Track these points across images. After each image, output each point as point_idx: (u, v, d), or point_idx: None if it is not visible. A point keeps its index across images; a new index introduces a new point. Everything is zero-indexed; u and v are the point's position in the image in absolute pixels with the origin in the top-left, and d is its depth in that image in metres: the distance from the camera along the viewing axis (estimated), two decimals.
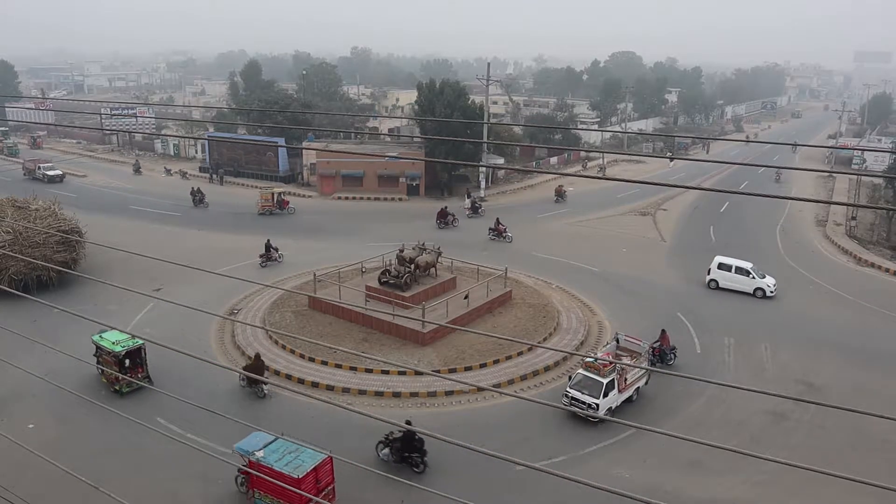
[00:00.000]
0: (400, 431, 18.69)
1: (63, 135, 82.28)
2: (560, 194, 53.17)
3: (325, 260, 35.37)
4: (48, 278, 30.90)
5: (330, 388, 23.13)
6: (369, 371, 23.99)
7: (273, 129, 61.26)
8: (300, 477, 15.59)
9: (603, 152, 53.58)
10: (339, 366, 24.31)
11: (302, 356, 25.07)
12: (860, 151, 67.11)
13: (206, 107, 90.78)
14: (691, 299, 31.84)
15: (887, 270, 36.94)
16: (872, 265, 37.81)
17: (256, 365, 22.69)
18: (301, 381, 23.46)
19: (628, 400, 22.24)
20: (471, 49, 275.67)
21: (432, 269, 30.09)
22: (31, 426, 20.63)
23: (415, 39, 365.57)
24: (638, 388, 22.64)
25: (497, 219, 41.94)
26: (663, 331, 25.63)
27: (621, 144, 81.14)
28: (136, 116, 76.58)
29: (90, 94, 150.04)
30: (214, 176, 59.02)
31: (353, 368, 24.18)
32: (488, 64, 63.69)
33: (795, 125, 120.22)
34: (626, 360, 22.20)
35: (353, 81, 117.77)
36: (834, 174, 61.28)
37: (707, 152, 78.73)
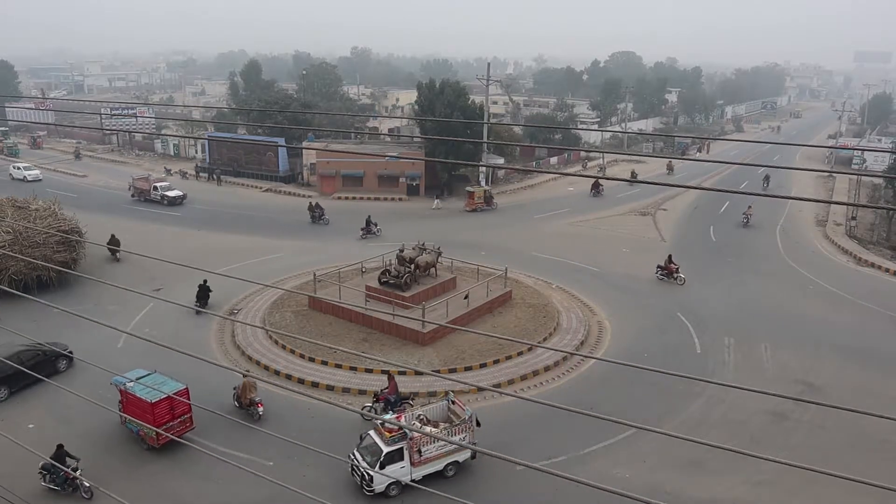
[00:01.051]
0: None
1: (63, 135, 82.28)
2: (596, 187, 54.26)
3: (325, 260, 35.39)
4: (48, 278, 30.91)
5: (330, 388, 23.14)
6: (369, 371, 24.00)
7: (273, 129, 61.26)
8: (153, 402, 18.73)
9: (603, 152, 53.60)
10: (339, 366, 24.32)
11: (302, 356, 25.07)
12: (860, 151, 67.11)
13: (206, 107, 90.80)
14: (691, 299, 31.83)
15: (887, 270, 36.94)
16: (872, 265, 37.81)
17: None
18: (301, 381, 23.46)
19: (440, 474, 17.89)
20: (471, 49, 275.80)
21: (432, 269, 30.10)
22: (31, 426, 20.64)
23: (415, 39, 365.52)
24: (457, 461, 18.00)
25: (669, 256, 35.49)
26: (390, 375, 21.81)
27: (621, 144, 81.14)
28: (136, 116, 76.57)
29: (90, 94, 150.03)
30: (212, 177, 58.99)
31: (353, 368, 24.19)
32: (488, 64, 63.69)
33: (796, 125, 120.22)
34: (429, 428, 17.49)
35: (353, 81, 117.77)
36: (834, 174, 61.27)
37: (707, 152, 78.70)
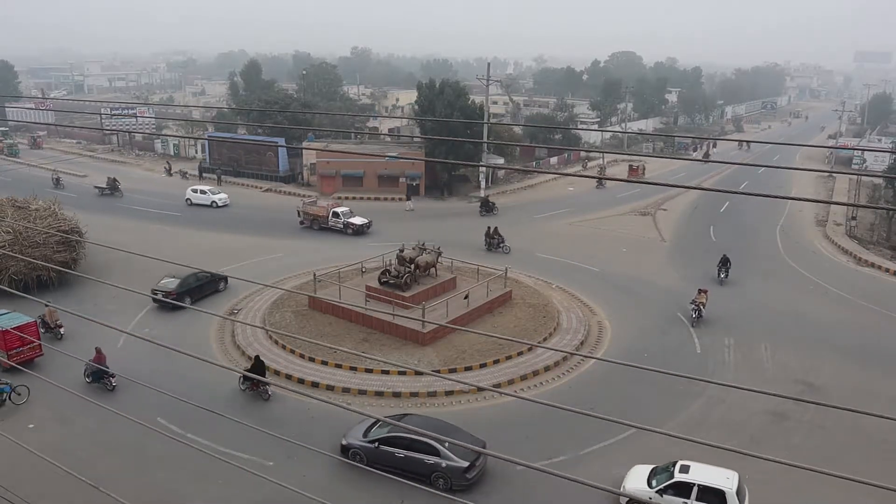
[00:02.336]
0: None
1: (63, 135, 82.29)
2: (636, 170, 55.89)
3: (325, 260, 35.39)
4: (48, 278, 30.91)
5: (330, 387, 23.14)
6: (369, 371, 24.00)
7: (273, 129, 61.27)
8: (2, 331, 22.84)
9: (603, 152, 53.64)
10: (339, 366, 24.32)
11: (302, 356, 25.07)
12: (860, 151, 67.11)
13: (206, 107, 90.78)
14: (691, 299, 31.81)
15: (887, 270, 36.94)
16: (872, 265, 37.81)
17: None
18: (301, 381, 23.46)
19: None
20: (471, 49, 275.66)
21: (432, 269, 30.10)
22: (31, 426, 20.64)
23: (415, 39, 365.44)
24: None
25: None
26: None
27: (621, 144, 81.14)
28: (136, 116, 76.55)
29: (90, 94, 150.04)
30: (211, 176, 58.96)
31: (353, 368, 24.19)
32: (488, 64, 63.68)
33: (795, 125, 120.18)
34: None
35: (353, 81, 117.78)
36: (834, 174, 61.28)
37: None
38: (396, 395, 22.69)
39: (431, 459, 17.47)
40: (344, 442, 18.81)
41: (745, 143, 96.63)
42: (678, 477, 16.70)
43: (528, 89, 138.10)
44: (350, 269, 32.48)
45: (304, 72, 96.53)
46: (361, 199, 52.40)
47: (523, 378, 23.97)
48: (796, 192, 57.83)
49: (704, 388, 22.59)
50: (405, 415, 19.95)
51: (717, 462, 18.60)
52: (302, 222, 43.85)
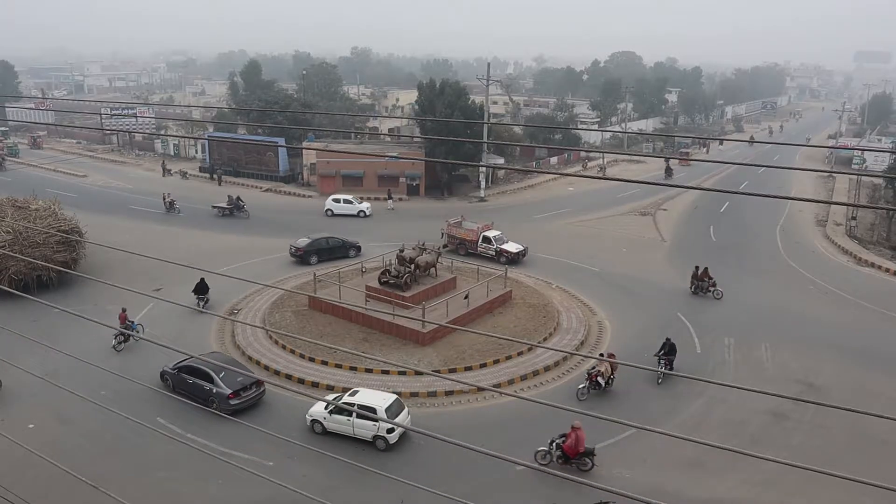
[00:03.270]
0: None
1: (63, 135, 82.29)
2: (668, 170, 56.68)
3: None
4: (48, 278, 30.91)
5: (330, 388, 23.14)
6: (369, 371, 24.00)
7: (273, 129, 61.26)
8: None
9: (603, 152, 53.63)
10: (339, 366, 24.31)
11: (302, 356, 25.08)
12: (860, 151, 67.12)
13: (206, 107, 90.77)
14: (691, 299, 31.83)
15: (887, 270, 36.94)
16: (872, 265, 37.81)
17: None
18: (301, 381, 23.46)
19: None
20: (471, 49, 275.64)
21: (432, 269, 30.11)
22: (31, 426, 20.64)
23: (415, 39, 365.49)
24: None
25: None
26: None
27: (621, 144, 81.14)
28: (136, 116, 76.50)
29: (90, 94, 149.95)
30: (213, 177, 58.99)
31: (353, 368, 24.19)
32: (488, 64, 63.71)
33: (795, 126, 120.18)
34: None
35: (353, 81, 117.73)
36: (834, 174, 61.27)
37: (707, 152, 78.72)
38: (396, 394, 22.65)
39: (208, 386, 21.39)
40: (161, 370, 22.51)
41: (780, 126, 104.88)
42: (345, 399, 20.06)
43: (528, 89, 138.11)
44: (350, 269, 32.50)
45: (304, 72, 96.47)
46: (361, 199, 52.36)
47: (523, 378, 23.97)
48: (796, 192, 57.83)
49: (704, 388, 22.59)
50: (213, 352, 23.99)
51: (717, 462, 18.63)
52: (446, 245, 37.82)
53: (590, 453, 18.42)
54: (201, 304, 29.47)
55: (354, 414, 19.32)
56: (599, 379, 22.32)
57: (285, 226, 44.31)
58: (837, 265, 38.21)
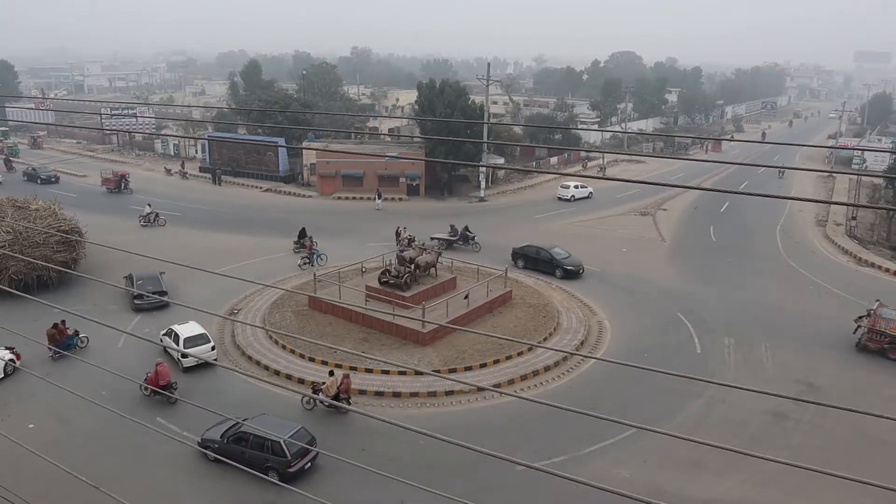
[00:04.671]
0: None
1: (63, 135, 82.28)
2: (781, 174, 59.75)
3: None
4: (48, 278, 30.90)
5: None
6: (369, 371, 23.99)
7: (273, 129, 61.24)
8: None
9: (603, 152, 53.57)
10: (339, 366, 24.28)
11: (302, 356, 25.08)
12: (860, 151, 67.11)
13: (206, 107, 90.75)
14: (691, 299, 31.83)
15: (887, 270, 36.93)
16: (872, 265, 37.80)
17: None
18: (301, 381, 23.46)
19: None
20: (471, 49, 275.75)
21: (432, 269, 30.10)
22: (31, 426, 20.64)
23: (415, 39, 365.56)
24: None
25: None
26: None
27: (621, 144, 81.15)
28: (136, 116, 76.50)
29: (90, 94, 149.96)
30: (215, 177, 58.96)
31: (353, 368, 24.16)
32: (488, 64, 63.69)
33: (797, 125, 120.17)
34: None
35: (353, 81, 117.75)
36: (834, 174, 61.26)
37: (706, 152, 78.73)
38: (396, 395, 22.69)
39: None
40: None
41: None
42: (174, 326, 24.85)
43: (528, 89, 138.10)
44: (350, 269, 32.47)
45: (304, 72, 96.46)
46: (361, 199, 52.40)
47: (523, 378, 23.97)
48: (796, 192, 57.81)
49: (704, 388, 22.58)
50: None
51: (717, 462, 18.63)
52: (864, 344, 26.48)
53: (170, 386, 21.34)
54: (305, 260, 33.75)
55: (173, 337, 24.31)
56: (322, 395, 20.79)
57: (285, 226, 44.31)
58: (837, 265, 38.20)
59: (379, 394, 22.75)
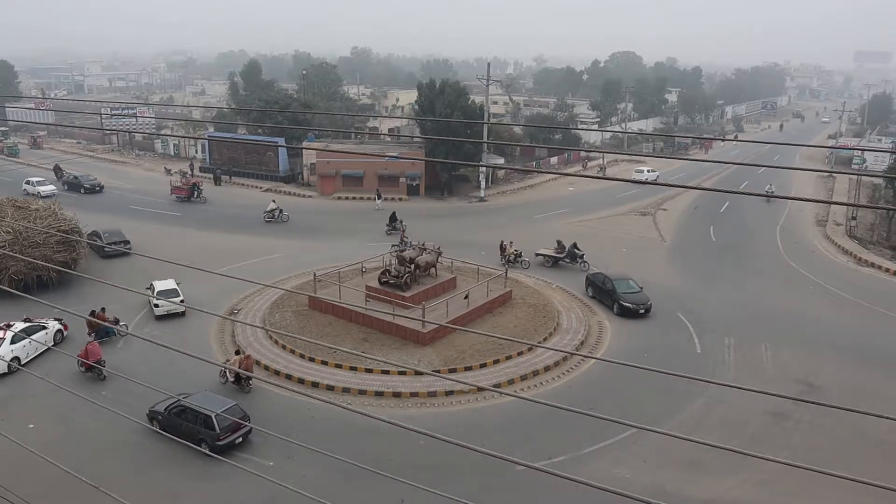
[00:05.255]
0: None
1: (63, 135, 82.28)
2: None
3: (325, 260, 35.38)
4: (48, 278, 30.89)
5: (330, 388, 23.13)
6: (369, 371, 23.99)
7: (273, 129, 61.25)
8: None
9: (603, 152, 53.62)
10: (339, 366, 24.31)
11: (302, 356, 25.07)
12: (860, 151, 67.11)
13: (206, 107, 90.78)
14: (691, 299, 31.82)
15: (887, 270, 36.93)
16: (872, 265, 37.80)
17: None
18: (301, 381, 23.46)
19: None
20: (471, 49, 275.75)
21: (432, 269, 30.10)
22: (31, 426, 20.64)
23: (415, 39, 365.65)
24: None
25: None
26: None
27: (621, 144, 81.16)
28: (136, 116, 76.51)
29: (90, 94, 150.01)
30: (216, 177, 58.93)
31: (353, 368, 24.19)
32: (488, 64, 63.71)
33: (796, 125, 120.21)
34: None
35: (353, 81, 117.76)
36: (834, 174, 61.28)
37: (706, 152, 78.75)
38: (396, 395, 22.69)
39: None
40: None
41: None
42: (153, 282, 29.32)
43: (528, 89, 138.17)
44: (350, 269, 32.46)
45: (304, 72, 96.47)
46: (361, 198, 52.40)
47: (523, 378, 23.96)
48: (796, 192, 57.83)
49: (704, 388, 22.57)
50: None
51: (717, 462, 18.63)
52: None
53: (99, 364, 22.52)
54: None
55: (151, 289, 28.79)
56: (228, 374, 22.82)
57: (285, 226, 44.33)
58: (837, 265, 38.21)
59: (379, 394, 22.75)
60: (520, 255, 34.76)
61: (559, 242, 36.69)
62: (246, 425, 19.05)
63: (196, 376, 22.95)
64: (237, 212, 48.13)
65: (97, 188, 53.17)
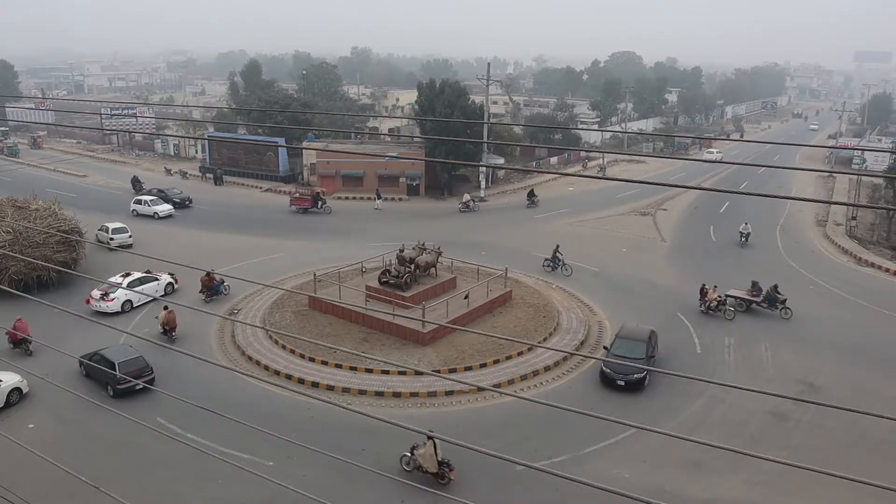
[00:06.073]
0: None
1: (63, 135, 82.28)
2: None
3: (325, 260, 35.37)
4: (48, 278, 30.90)
5: (330, 388, 23.14)
6: (369, 371, 23.99)
7: (273, 129, 61.25)
8: None
9: (603, 152, 53.63)
10: (339, 366, 24.31)
11: (302, 356, 25.07)
12: (860, 151, 67.12)
13: (206, 107, 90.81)
14: (691, 299, 31.81)
15: (887, 270, 36.93)
16: (872, 265, 37.80)
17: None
18: (301, 381, 23.46)
19: None
20: (471, 49, 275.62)
21: (432, 269, 30.09)
22: (31, 426, 20.64)
23: (415, 39, 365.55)
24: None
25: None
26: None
27: (621, 144, 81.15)
28: (136, 116, 76.53)
29: (90, 94, 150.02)
30: (209, 176, 58.87)
31: (353, 368, 24.19)
32: (488, 64, 63.70)
33: (796, 124, 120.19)
34: None
35: (353, 81, 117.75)
36: (834, 174, 61.27)
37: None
38: (396, 395, 22.69)
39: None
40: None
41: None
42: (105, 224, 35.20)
43: (528, 89, 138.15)
44: (350, 269, 32.46)
45: (305, 72, 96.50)
46: (361, 198, 52.41)
47: (523, 378, 23.96)
48: (796, 192, 57.82)
49: (704, 388, 22.58)
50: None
51: (717, 462, 18.64)
52: None
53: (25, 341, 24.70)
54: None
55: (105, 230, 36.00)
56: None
57: (285, 226, 44.33)
58: (837, 265, 38.21)
59: (379, 394, 22.75)
60: (723, 303, 29.70)
61: (754, 284, 30.63)
62: (148, 375, 22.50)
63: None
64: (237, 212, 48.13)
65: (187, 202, 48.72)
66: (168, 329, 26.47)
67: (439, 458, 17.55)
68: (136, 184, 52.72)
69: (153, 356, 23.76)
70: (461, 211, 48.98)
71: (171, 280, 31.72)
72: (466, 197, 50.22)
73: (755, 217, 47.39)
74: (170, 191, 49.88)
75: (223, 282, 31.02)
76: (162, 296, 30.70)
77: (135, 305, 29.81)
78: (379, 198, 49.99)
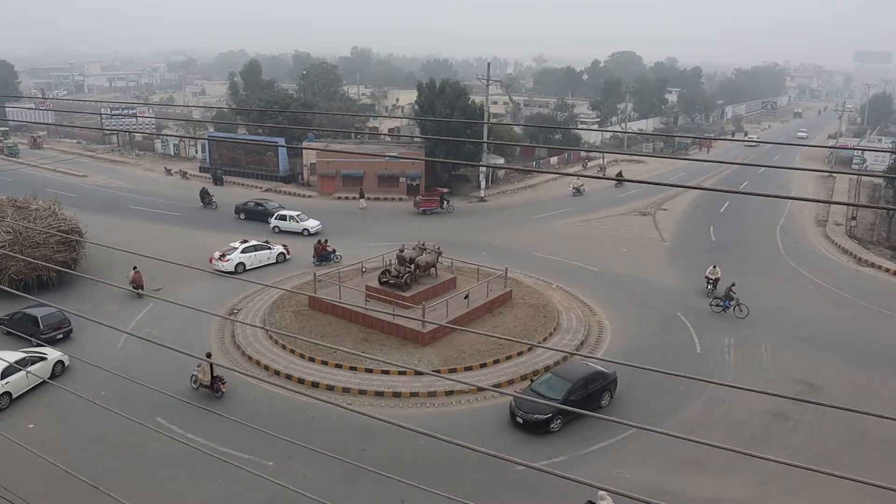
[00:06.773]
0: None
1: (63, 135, 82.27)
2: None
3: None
4: (48, 278, 30.89)
5: (330, 387, 23.13)
6: (369, 371, 23.99)
7: (273, 129, 61.25)
8: None
9: (603, 152, 53.62)
10: (339, 366, 24.31)
11: (302, 356, 25.07)
12: (860, 151, 67.13)
13: (206, 107, 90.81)
14: (691, 299, 31.82)
15: (887, 270, 36.93)
16: (872, 265, 37.80)
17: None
18: (301, 381, 23.46)
19: None
20: (471, 49, 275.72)
21: (432, 269, 30.09)
22: (31, 426, 20.63)
23: (415, 39, 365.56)
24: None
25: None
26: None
27: (621, 144, 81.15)
28: (136, 116, 76.50)
29: (90, 94, 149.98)
30: (207, 176, 58.83)
31: (353, 368, 24.18)
32: (488, 64, 63.69)
33: (796, 125, 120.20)
34: None
35: (353, 81, 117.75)
36: (834, 174, 61.27)
37: (707, 152, 78.78)
38: (396, 395, 22.69)
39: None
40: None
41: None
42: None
43: (528, 89, 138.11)
44: (350, 269, 32.47)
45: (305, 72, 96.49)
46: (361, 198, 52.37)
47: (523, 378, 23.95)
48: (796, 192, 57.82)
49: (704, 388, 22.57)
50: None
51: (717, 462, 18.64)
52: None
53: None
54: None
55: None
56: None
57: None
58: (837, 265, 38.21)
59: (379, 394, 22.75)
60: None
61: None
62: (66, 326, 26.29)
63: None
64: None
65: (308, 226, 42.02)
66: (135, 286, 29.50)
67: (214, 375, 21.91)
68: (205, 196, 48.24)
69: (153, 356, 23.76)
70: (422, 213, 47.79)
71: (284, 251, 35.54)
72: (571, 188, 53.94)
73: (755, 217, 47.43)
74: (269, 204, 45.97)
75: (335, 251, 35.04)
76: (275, 263, 35.04)
77: (247, 268, 33.77)
78: (362, 196, 50.15)
